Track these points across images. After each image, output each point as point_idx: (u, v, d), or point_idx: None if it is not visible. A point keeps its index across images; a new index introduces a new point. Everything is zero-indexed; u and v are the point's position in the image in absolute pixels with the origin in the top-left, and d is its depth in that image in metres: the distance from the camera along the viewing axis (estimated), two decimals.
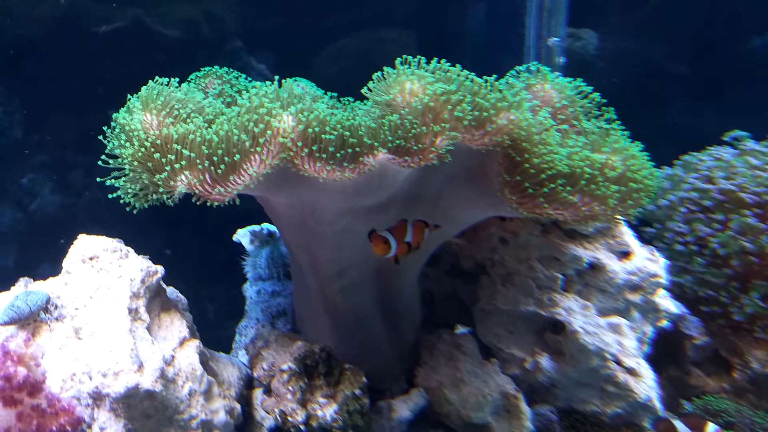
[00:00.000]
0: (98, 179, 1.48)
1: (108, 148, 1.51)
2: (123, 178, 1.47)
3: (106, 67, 3.24)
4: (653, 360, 1.82)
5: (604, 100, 1.66)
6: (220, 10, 3.44)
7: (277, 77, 1.48)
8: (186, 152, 1.36)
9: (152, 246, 1.81)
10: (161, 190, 1.39)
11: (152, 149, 1.41)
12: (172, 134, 1.41)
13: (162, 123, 1.45)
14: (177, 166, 1.37)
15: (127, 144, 1.45)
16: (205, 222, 1.40)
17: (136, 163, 1.42)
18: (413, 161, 1.38)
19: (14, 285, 1.69)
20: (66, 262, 1.67)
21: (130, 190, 1.45)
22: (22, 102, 3.41)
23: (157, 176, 1.39)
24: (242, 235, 2.19)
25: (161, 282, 1.70)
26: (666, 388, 1.89)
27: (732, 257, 1.91)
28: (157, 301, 1.68)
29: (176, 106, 1.48)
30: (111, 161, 1.50)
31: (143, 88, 1.52)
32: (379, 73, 1.48)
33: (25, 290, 1.61)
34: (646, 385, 1.73)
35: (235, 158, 1.33)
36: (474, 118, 1.40)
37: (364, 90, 1.49)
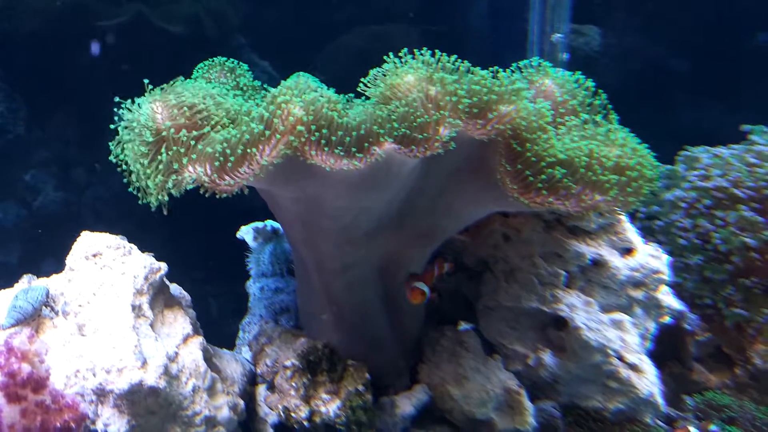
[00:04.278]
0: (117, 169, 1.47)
1: (115, 140, 1.50)
2: (131, 172, 1.45)
3: (109, 62, 3.24)
4: (655, 356, 1.82)
5: (605, 96, 1.65)
6: (223, 6, 3.43)
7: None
8: (200, 147, 1.36)
9: (156, 243, 1.82)
10: (169, 184, 1.39)
11: (160, 142, 1.41)
12: (183, 126, 1.40)
13: (173, 116, 1.45)
14: (185, 160, 1.37)
15: (134, 137, 1.45)
16: (208, 219, 1.40)
17: (141, 159, 1.42)
18: (419, 151, 1.39)
19: (18, 282, 1.70)
20: (69, 259, 1.67)
21: (137, 184, 1.44)
22: (26, 98, 3.41)
23: (166, 177, 1.39)
24: (246, 232, 2.19)
25: (165, 279, 1.70)
26: (668, 383, 1.89)
27: (733, 253, 1.92)
28: (160, 297, 1.68)
29: (187, 99, 1.47)
30: (119, 154, 1.48)
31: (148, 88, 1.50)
32: (378, 68, 1.48)
33: (25, 287, 1.61)
34: (648, 381, 1.74)
35: (247, 148, 1.34)
36: (474, 105, 1.40)
37: (365, 80, 1.50)
